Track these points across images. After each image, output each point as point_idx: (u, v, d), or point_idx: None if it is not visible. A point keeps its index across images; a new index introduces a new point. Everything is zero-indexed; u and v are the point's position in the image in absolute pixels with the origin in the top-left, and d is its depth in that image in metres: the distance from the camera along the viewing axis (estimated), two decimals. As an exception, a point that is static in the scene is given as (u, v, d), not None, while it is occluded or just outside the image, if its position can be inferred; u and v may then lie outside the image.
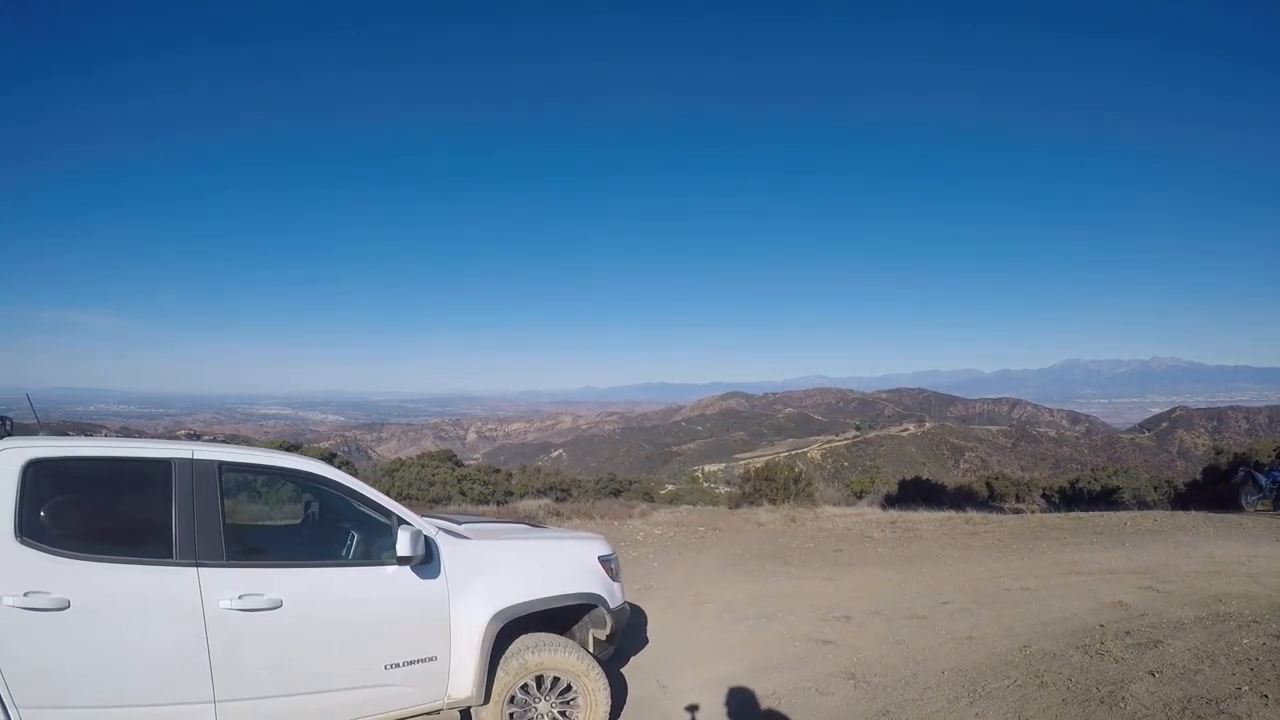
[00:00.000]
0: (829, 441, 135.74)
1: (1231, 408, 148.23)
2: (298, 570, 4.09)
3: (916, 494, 24.54)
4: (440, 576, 4.40)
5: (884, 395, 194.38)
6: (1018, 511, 20.05)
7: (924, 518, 15.50)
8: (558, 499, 23.70)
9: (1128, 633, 6.50)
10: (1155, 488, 25.38)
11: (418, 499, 24.53)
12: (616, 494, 29.02)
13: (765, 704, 5.74)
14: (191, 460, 3.92)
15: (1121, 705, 4.85)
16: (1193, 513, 15.59)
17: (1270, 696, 4.52)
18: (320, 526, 4.87)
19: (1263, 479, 16.52)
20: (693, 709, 5.68)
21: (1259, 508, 16.23)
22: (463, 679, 4.37)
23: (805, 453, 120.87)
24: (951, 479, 40.83)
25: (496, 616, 4.47)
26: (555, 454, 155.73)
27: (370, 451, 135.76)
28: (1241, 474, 17.57)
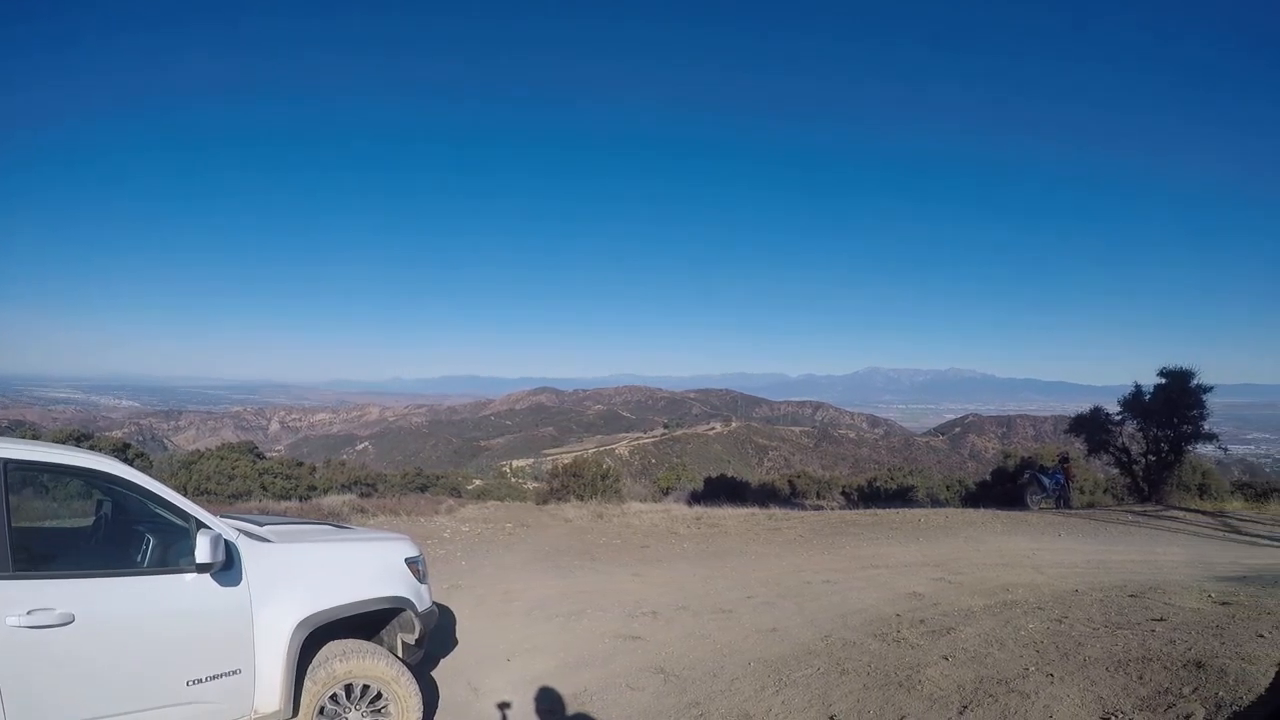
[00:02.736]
0: (637, 439, 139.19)
1: (1020, 416, 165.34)
2: (91, 580, 3.83)
3: (722, 491, 25.54)
4: (242, 584, 4.28)
5: (692, 395, 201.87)
6: (819, 508, 21.34)
7: (729, 514, 16.12)
8: (363, 494, 23.58)
9: (922, 621, 7.08)
10: (948, 487, 27.85)
11: (217, 494, 24.05)
12: (423, 489, 28.87)
13: (576, 701, 5.87)
14: None
15: (918, 687, 5.23)
16: (982, 510, 17.25)
17: (1055, 675, 4.99)
18: (114, 529, 4.64)
19: (1046, 480, 18.67)
20: (504, 707, 5.75)
21: (1042, 506, 18.33)
22: (269, 691, 4.29)
23: (614, 449, 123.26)
24: (756, 477, 42.91)
25: (302, 624, 4.42)
26: (361, 446, 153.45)
27: (167, 441, 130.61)
28: (1027, 476, 19.83)
